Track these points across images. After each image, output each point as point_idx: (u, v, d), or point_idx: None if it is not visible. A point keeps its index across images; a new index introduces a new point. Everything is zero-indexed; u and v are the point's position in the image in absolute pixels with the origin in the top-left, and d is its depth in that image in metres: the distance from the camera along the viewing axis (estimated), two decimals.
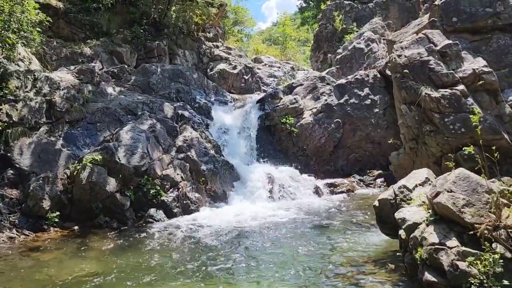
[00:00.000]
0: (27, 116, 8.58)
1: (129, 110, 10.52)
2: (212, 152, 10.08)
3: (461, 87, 7.99)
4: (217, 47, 17.72)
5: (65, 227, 7.45)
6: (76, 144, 9.05)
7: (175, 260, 5.76)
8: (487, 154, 4.71)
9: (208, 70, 16.26)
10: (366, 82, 12.37)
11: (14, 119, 8.35)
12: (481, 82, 7.96)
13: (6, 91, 8.54)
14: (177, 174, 8.87)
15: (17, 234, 6.85)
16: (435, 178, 5.40)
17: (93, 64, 11.83)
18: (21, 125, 8.41)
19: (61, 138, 8.93)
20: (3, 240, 6.54)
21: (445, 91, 7.94)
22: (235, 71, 16.37)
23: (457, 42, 8.70)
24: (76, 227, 7.47)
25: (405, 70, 8.49)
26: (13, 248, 6.39)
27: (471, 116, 5.10)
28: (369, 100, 12.11)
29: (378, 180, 11.00)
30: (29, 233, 7.02)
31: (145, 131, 9.25)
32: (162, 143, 9.42)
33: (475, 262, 3.96)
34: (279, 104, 12.45)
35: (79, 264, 5.66)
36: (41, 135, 8.62)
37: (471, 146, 4.56)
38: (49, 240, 6.86)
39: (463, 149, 4.83)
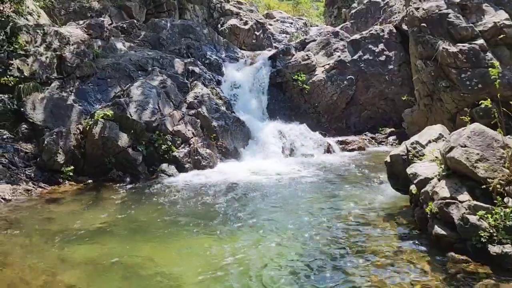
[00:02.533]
0: (38, 71, 8.58)
1: (139, 66, 10.44)
2: (223, 108, 10.04)
3: (480, 41, 7.71)
4: (228, 1, 17.24)
5: (80, 181, 7.60)
6: (87, 99, 9.08)
7: (185, 214, 5.88)
8: (504, 109, 4.59)
9: (219, 26, 15.91)
10: (381, 37, 12.02)
11: (26, 74, 8.36)
12: (502, 36, 7.66)
13: (16, 46, 8.51)
14: (188, 130, 8.89)
15: (33, 187, 7.02)
16: (449, 134, 5.32)
17: (102, 18, 11.64)
18: (32, 80, 8.43)
19: (72, 93, 8.95)
20: (20, 192, 6.71)
21: (464, 46, 7.68)
22: (246, 27, 15.99)
23: None
24: (90, 181, 7.62)
25: (422, 24, 8.20)
26: (30, 200, 6.57)
27: (490, 69, 4.93)
28: (384, 56, 11.81)
29: (390, 138, 10.92)
30: (45, 186, 7.18)
31: (155, 87, 9.20)
32: (172, 99, 9.39)
33: (485, 216, 3.95)
34: (291, 61, 12.22)
35: (94, 215, 5.82)
36: (52, 90, 8.64)
37: (488, 99, 4.44)
38: (64, 192, 7.03)
39: (480, 103, 4.70)
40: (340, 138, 10.77)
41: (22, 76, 8.29)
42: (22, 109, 8.07)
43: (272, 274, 3.94)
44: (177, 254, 4.57)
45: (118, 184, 7.50)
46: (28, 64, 8.45)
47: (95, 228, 5.32)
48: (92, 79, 9.52)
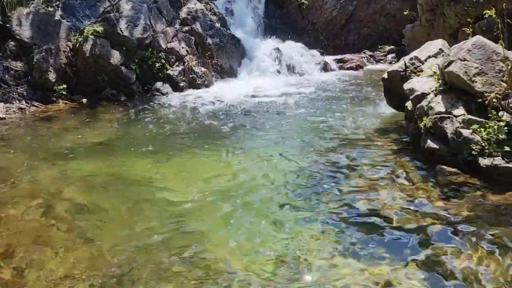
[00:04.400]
0: None
1: None
2: (217, 25, 9.67)
3: None
4: None
5: (74, 100, 7.51)
6: (75, 15, 8.67)
7: (181, 132, 5.92)
8: (508, 20, 4.41)
9: None
10: None
11: None
12: None
13: None
14: (182, 47, 8.63)
15: (26, 105, 6.95)
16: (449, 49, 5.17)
17: None
18: None
19: (59, 8, 8.51)
20: (13, 111, 6.67)
21: None
22: None
23: None
24: (84, 100, 7.53)
25: None
26: (25, 118, 6.55)
27: None
28: None
29: (389, 56, 10.68)
30: (38, 104, 7.11)
31: (146, 1, 8.75)
32: (165, 15, 8.99)
33: (479, 129, 3.96)
34: None
35: (90, 133, 5.85)
36: (38, 5, 8.22)
37: (493, 9, 4.25)
38: (58, 111, 7.00)
39: (484, 13, 4.52)
40: (338, 56, 10.53)
41: None
42: (7, 25, 7.74)
43: (268, 190, 4.03)
44: (172, 169, 4.65)
45: (112, 103, 7.45)
46: None
47: (91, 145, 5.37)
48: None
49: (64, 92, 7.45)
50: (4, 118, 6.38)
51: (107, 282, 2.76)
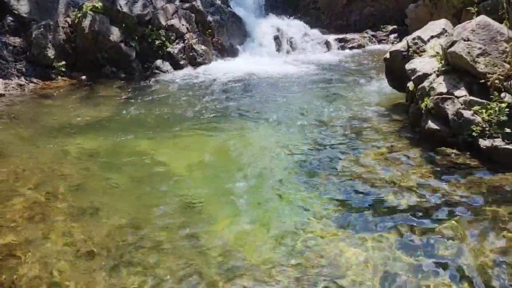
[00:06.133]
0: None
1: None
2: (218, 2, 9.56)
3: None
4: None
5: (73, 77, 7.47)
6: None
7: (180, 109, 5.90)
8: None
9: None
10: None
11: None
12: None
13: None
14: (182, 24, 8.53)
15: (26, 82, 6.90)
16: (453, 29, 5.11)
17: None
18: None
19: None
20: (12, 87, 6.62)
21: None
22: None
23: None
24: (84, 77, 7.49)
25: None
26: (24, 95, 6.52)
27: None
28: None
29: (391, 36, 10.57)
30: (37, 81, 7.06)
31: None
32: None
33: (480, 111, 3.96)
34: None
35: (89, 110, 5.84)
36: None
37: None
38: (58, 88, 6.96)
39: None
40: (339, 36, 10.43)
41: None
42: (5, 0, 7.61)
43: (267, 168, 4.06)
44: (171, 147, 4.69)
45: (112, 80, 7.42)
46: None
47: (90, 122, 5.37)
48: None
49: (63, 69, 7.39)
50: (4, 95, 6.34)
51: (107, 253, 2.81)
